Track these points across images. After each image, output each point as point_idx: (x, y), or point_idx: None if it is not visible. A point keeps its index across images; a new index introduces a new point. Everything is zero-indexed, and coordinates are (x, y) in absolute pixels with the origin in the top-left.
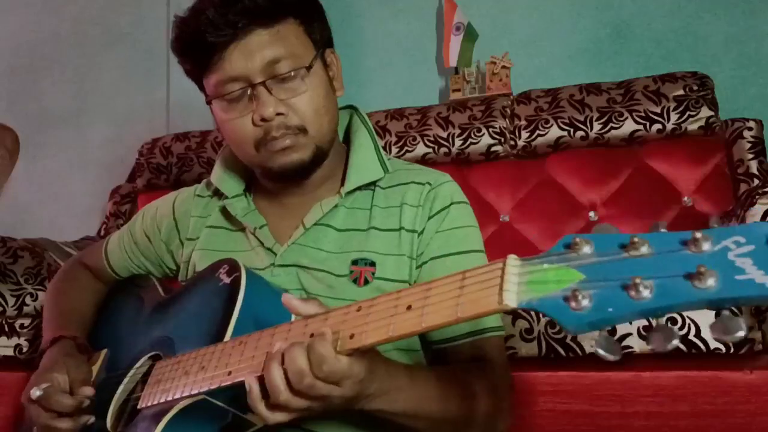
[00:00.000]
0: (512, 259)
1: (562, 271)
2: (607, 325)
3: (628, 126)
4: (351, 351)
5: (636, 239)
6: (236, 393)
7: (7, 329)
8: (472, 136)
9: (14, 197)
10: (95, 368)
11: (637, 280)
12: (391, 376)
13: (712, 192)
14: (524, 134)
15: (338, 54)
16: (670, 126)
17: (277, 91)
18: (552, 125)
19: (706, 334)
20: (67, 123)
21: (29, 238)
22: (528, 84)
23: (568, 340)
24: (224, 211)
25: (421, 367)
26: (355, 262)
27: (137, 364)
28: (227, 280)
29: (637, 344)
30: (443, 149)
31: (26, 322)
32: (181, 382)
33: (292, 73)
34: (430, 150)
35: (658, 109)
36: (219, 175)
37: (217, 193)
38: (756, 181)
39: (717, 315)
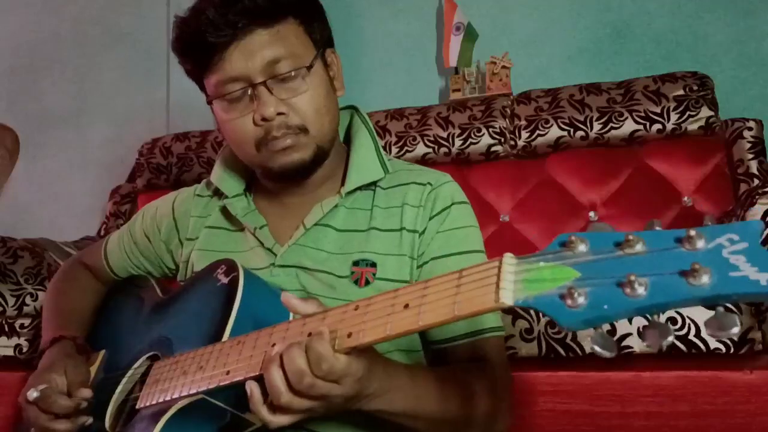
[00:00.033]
0: (508, 258)
1: (557, 269)
2: (603, 323)
3: (628, 126)
4: (349, 349)
5: (631, 237)
6: (235, 392)
7: (7, 329)
8: (472, 136)
9: (14, 197)
10: (94, 369)
11: (632, 278)
12: (391, 375)
13: (712, 192)
14: (524, 134)
15: (338, 54)
16: (670, 126)
17: (277, 90)
18: (552, 125)
19: (705, 334)
20: (67, 123)
21: (29, 238)
22: (528, 84)
23: (568, 340)
24: (224, 211)
25: (420, 367)
26: (356, 263)
27: (136, 365)
28: (225, 280)
29: (636, 344)
30: (443, 149)
31: (26, 322)
32: (180, 382)
33: (293, 73)
34: (430, 150)
35: (658, 109)
36: (219, 175)
37: (217, 193)
38: (756, 181)
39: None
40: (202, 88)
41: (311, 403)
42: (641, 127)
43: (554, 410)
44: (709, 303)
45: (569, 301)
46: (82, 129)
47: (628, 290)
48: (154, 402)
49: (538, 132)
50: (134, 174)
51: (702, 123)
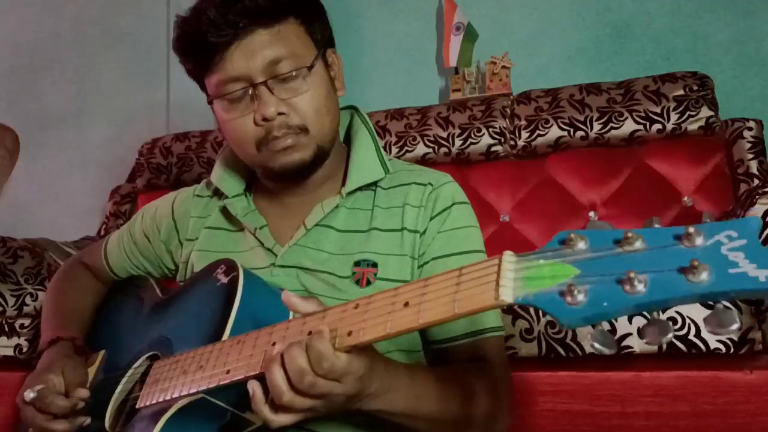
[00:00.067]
0: (508, 255)
1: (557, 266)
2: (603, 320)
3: (628, 126)
4: (349, 348)
5: (630, 234)
6: (235, 392)
7: (7, 329)
8: (472, 136)
9: (14, 197)
10: (93, 369)
11: (632, 275)
12: (391, 374)
13: (712, 192)
14: (524, 134)
15: (338, 54)
16: (670, 126)
17: (278, 90)
18: (552, 125)
19: (705, 334)
20: (67, 123)
21: (29, 238)
22: (528, 84)
23: (568, 340)
24: (224, 211)
25: (420, 366)
26: (357, 264)
27: (135, 364)
28: (225, 280)
29: (637, 344)
30: (443, 149)
31: (26, 322)
32: (180, 382)
33: (294, 73)
34: (430, 150)
35: (658, 109)
36: (219, 175)
37: (217, 193)
38: (756, 181)
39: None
40: (203, 87)
41: (313, 402)
42: (641, 127)
43: (554, 410)
44: (709, 300)
45: (569, 299)
46: (82, 129)
47: (627, 287)
48: (154, 401)
49: (538, 132)
50: (134, 174)
51: (702, 123)
